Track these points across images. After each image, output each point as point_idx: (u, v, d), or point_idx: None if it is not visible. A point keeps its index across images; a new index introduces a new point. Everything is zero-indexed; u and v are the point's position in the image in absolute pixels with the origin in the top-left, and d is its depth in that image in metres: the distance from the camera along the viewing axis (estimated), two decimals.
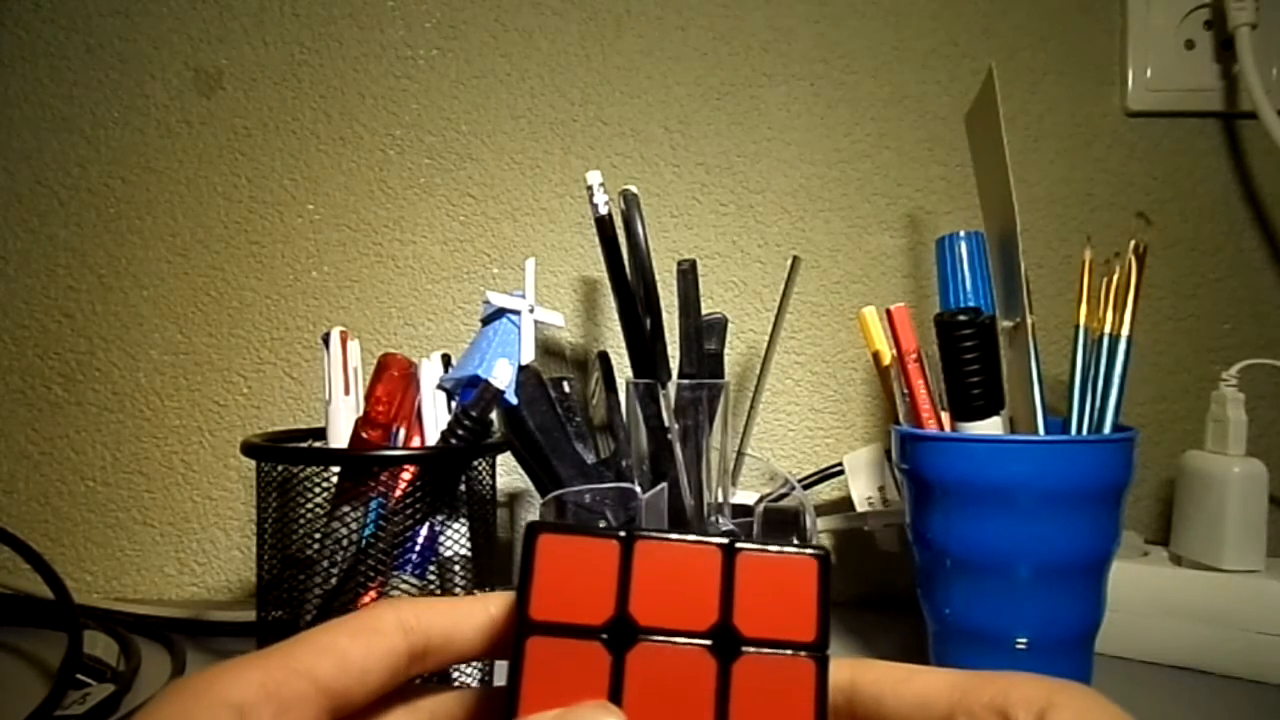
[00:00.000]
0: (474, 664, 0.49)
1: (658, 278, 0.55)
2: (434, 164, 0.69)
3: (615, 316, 0.56)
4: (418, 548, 0.47)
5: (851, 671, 0.24)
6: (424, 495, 0.47)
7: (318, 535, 0.47)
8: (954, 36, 0.70)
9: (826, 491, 0.69)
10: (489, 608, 0.25)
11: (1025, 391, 0.50)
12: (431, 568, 0.47)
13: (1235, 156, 0.71)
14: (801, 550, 0.23)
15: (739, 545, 0.23)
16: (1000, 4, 0.70)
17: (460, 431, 0.47)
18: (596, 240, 0.53)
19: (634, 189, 0.54)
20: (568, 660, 0.22)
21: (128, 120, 0.68)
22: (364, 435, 0.48)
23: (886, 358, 0.53)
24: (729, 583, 0.23)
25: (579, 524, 0.49)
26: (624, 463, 0.57)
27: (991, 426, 0.49)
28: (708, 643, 0.22)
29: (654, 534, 0.23)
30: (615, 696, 0.22)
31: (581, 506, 0.52)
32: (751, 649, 0.22)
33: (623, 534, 0.23)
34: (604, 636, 0.22)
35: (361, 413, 0.49)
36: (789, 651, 0.22)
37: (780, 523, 0.50)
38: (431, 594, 0.47)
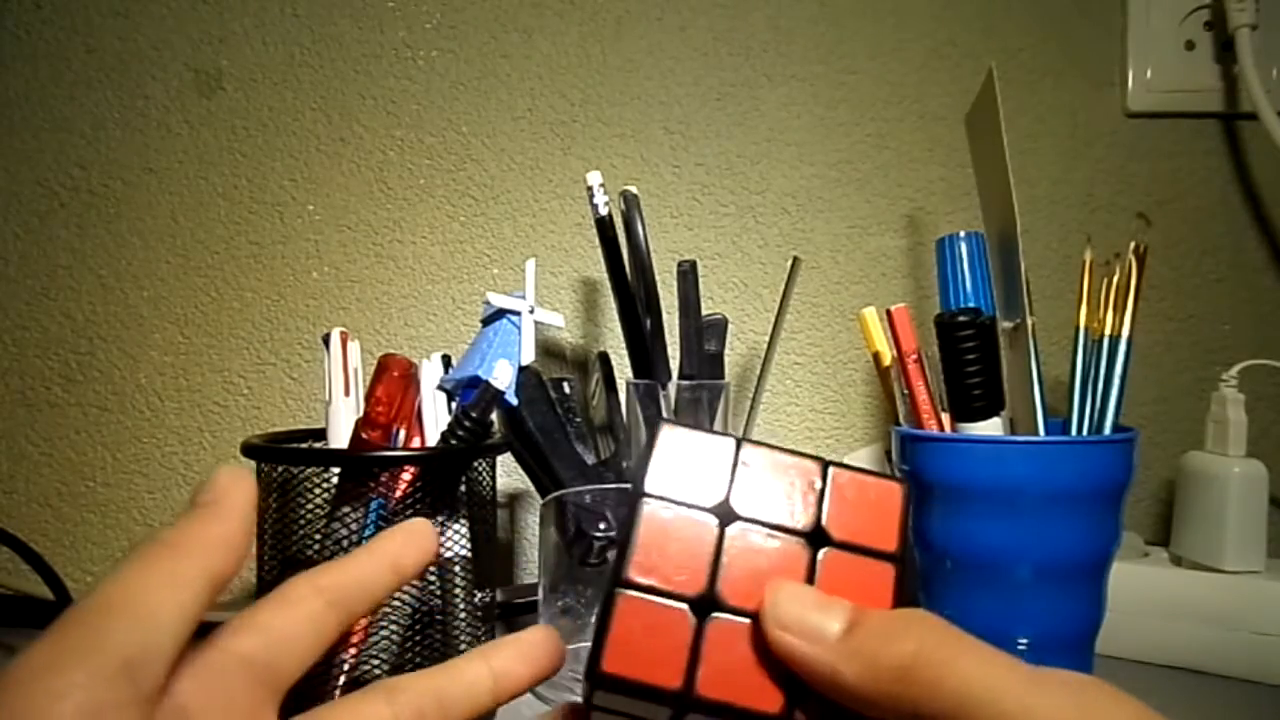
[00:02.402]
0: None
1: (658, 278, 0.55)
2: (434, 165, 0.69)
3: (615, 317, 0.56)
4: None
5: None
6: (424, 496, 0.47)
7: (318, 536, 0.47)
8: (954, 37, 0.70)
9: None
10: (391, 549, 0.28)
11: (1025, 392, 0.50)
12: (431, 568, 0.47)
13: (1235, 157, 0.71)
14: (888, 476, 0.26)
15: (831, 462, 0.26)
16: (1000, 4, 0.70)
17: (460, 432, 0.47)
18: (597, 241, 0.53)
19: (634, 190, 0.54)
20: (677, 530, 0.24)
21: (128, 120, 0.68)
22: (364, 436, 0.48)
23: (887, 358, 0.53)
24: (822, 495, 0.25)
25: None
26: (624, 463, 0.57)
27: (992, 427, 0.49)
28: (801, 538, 0.25)
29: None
30: (715, 562, 0.24)
31: (582, 507, 0.52)
32: (838, 549, 0.25)
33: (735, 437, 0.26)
34: (711, 513, 0.25)
35: (362, 413, 0.49)
36: (872, 557, 0.25)
37: None
38: (431, 594, 0.47)
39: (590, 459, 0.57)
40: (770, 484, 0.25)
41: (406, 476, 0.46)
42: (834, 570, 0.24)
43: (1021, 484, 0.46)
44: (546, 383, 0.56)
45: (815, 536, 0.24)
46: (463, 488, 0.49)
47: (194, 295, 0.69)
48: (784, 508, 0.25)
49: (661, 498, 0.24)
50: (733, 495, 0.25)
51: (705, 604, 0.23)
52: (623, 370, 0.59)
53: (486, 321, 0.52)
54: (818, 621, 0.23)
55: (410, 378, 0.50)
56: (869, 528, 0.25)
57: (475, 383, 0.48)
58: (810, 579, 0.24)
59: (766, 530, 0.24)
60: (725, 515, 0.24)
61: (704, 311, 0.57)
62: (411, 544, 0.29)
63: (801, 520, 0.25)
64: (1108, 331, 0.50)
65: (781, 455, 0.25)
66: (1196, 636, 0.55)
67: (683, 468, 0.25)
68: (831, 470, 0.25)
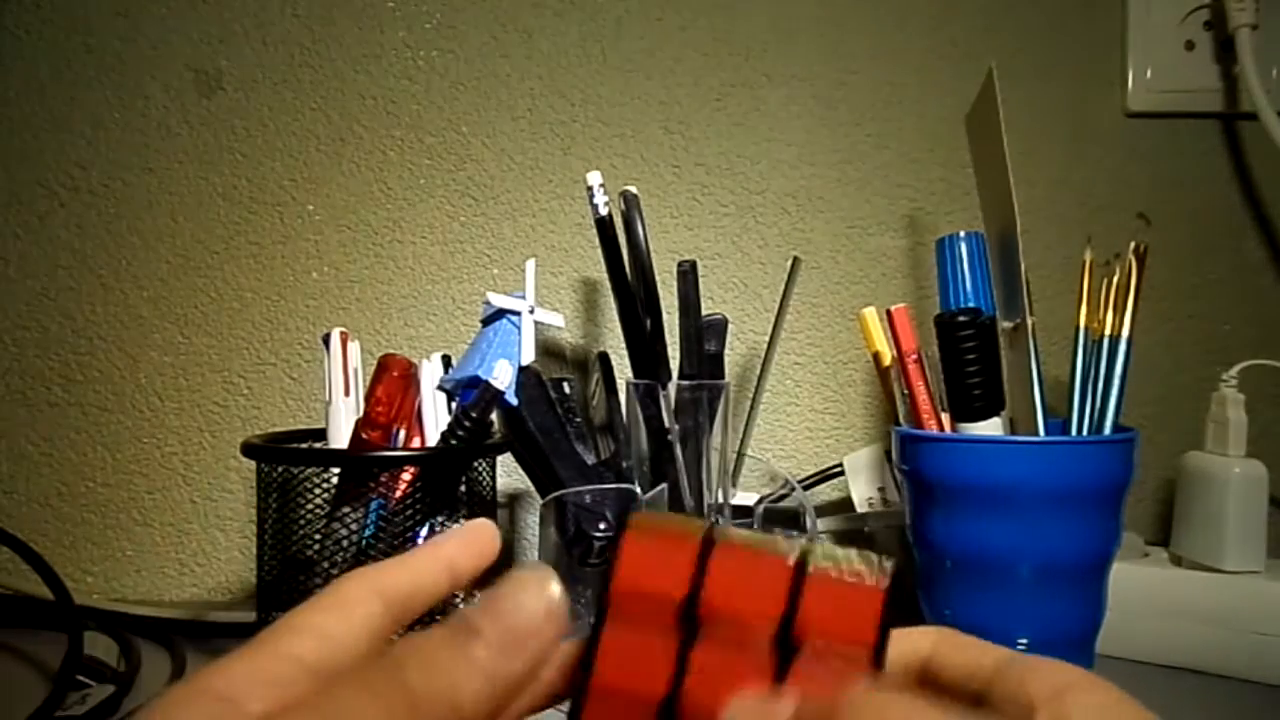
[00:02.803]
0: None
1: (658, 278, 0.55)
2: (434, 165, 0.69)
3: (615, 317, 0.56)
4: None
5: (936, 638, 0.26)
6: (424, 496, 0.47)
7: (318, 536, 0.47)
8: (954, 36, 0.70)
9: (827, 492, 0.69)
10: (448, 552, 0.27)
11: (1025, 392, 0.50)
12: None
13: (1235, 157, 0.71)
14: (873, 574, 0.24)
15: (809, 563, 0.24)
16: (1001, 4, 0.70)
17: (460, 432, 0.47)
18: (597, 241, 0.53)
19: (634, 190, 0.54)
20: (640, 637, 0.24)
21: (128, 120, 0.68)
22: (364, 436, 0.48)
23: (887, 358, 0.53)
24: (795, 595, 0.24)
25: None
26: (624, 464, 0.56)
27: (992, 427, 0.49)
28: (768, 646, 0.23)
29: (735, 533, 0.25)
30: (678, 671, 0.23)
31: (581, 507, 0.52)
32: (809, 655, 0.23)
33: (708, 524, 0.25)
34: (676, 616, 0.24)
35: (362, 413, 0.49)
36: (845, 663, 0.23)
37: (780, 524, 0.50)
38: None
39: (590, 459, 0.57)
40: (740, 582, 0.24)
41: (406, 476, 0.46)
42: (804, 677, 0.23)
43: (1021, 484, 0.46)
44: (546, 383, 0.56)
45: (784, 640, 0.23)
46: (463, 488, 0.49)
47: (194, 295, 0.69)
48: (753, 607, 0.24)
49: (625, 598, 0.24)
50: (699, 597, 0.24)
51: (666, 717, 0.23)
52: (623, 370, 0.59)
53: (486, 321, 0.52)
54: None
55: (410, 378, 0.50)
56: (844, 632, 0.23)
57: (475, 383, 0.48)
58: (780, 683, 0.23)
59: (733, 634, 0.23)
60: (689, 621, 0.24)
61: (704, 311, 0.57)
62: (470, 547, 0.28)
63: (770, 623, 0.23)
64: (1108, 331, 0.50)
65: (754, 549, 0.24)
66: (1196, 636, 0.55)
67: (648, 569, 0.24)
68: (808, 569, 0.24)
